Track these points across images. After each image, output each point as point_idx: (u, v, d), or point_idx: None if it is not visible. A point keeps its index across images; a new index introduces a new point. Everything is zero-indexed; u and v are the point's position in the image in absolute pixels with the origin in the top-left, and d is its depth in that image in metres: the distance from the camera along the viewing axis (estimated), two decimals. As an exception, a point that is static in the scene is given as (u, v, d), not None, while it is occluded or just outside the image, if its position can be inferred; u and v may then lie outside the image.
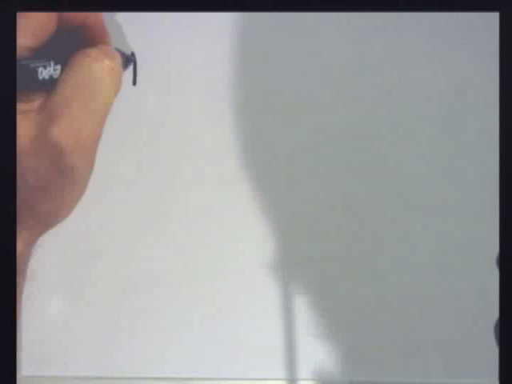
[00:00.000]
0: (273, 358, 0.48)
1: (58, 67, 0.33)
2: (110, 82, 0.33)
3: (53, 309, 0.48)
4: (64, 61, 0.33)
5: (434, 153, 0.48)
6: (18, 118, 0.30)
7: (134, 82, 0.38)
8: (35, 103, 0.31)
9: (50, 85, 0.32)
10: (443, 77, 0.48)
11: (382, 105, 0.48)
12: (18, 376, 0.48)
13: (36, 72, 0.31)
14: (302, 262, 0.48)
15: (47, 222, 0.33)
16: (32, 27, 0.32)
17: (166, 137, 0.48)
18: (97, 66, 0.33)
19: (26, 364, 0.48)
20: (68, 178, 0.32)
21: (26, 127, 0.30)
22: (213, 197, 0.48)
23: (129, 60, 0.38)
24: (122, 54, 0.37)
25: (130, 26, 0.46)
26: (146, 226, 0.48)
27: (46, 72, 0.32)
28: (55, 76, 0.32)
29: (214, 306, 0.48)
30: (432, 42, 0.47)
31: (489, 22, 0.47)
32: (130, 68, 0.38)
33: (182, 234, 0.48)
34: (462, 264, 0.48)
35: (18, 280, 0.33)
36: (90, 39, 0.35)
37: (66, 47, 0.34)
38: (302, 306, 0.48)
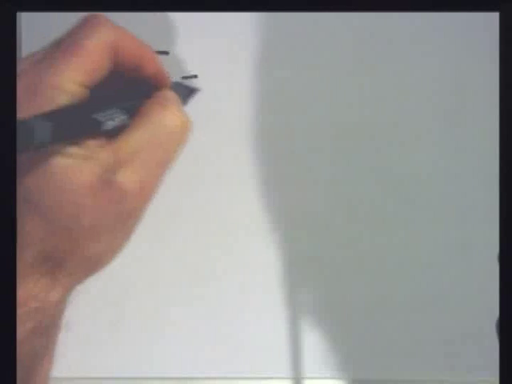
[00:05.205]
0: (273, 356, 0.48)
1: (125, 117, 0.32)
2: (182, 136, 0.34)
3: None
4: (130, 108, 0.33)
5: (434, 152, 0.48)
6: (76, 162, 0.30)
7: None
8: (96, 150, 0.31)
9: (114, 132, 0.32)
10: (443, 77, 0.48)
11: (382, 105, 0.48)
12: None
13: (103, 125, 0.31)
14: (304, 262, 0.48)
15: (91, 267, 0.33)
16: (86, 65, 0.31)
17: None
18: (172, 120, 0.33)
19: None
20: (122, 223, 0.32)
21: (86, 170, 0.30)
22: (213, 197, 0.48)
23: (191, 93, 0.38)
24: (186, 88, 0.37)
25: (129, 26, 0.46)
26: (146, 226, 0.48)
27: (112, 123, 0.32)
28: (120, 124, 0.32)
29: (215, 306, 0.48)
30: (432, 42, 0.47)
31: (489, 22, 0.47)
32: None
33: (183, 234, 0.48)
34: (463, 263, 0.48)
35: (52, 331, 0.32)
36: (150, 82, 0.35)
37: (131, 93, 0.34)
38: (303, 306, 0.48)
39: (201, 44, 0.47)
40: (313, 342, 0.48)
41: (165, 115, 0.33)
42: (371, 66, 0.48)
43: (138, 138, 0.32)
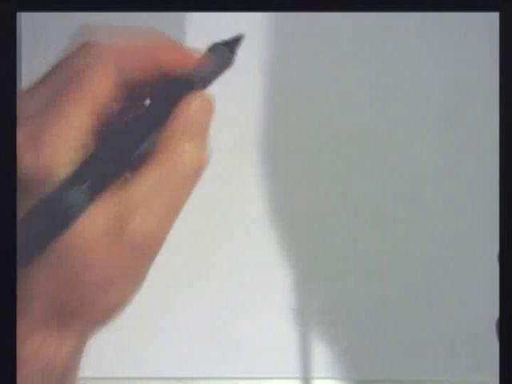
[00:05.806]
0: (275, 356, 0.48)
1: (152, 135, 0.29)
2: (198, 176, 0.31)
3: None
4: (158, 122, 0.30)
5: (435, 152, 0.48)
6: (88, 211, 0.28)
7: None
8: (108, 197, 0.29)
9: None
10: (443, 76, 0.48)
11: (382, 105, 0.48)
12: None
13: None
14: (305, 262, 0.48)
15: (103, 317, 0.31)
16: (96, 107, 0.29)
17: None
18: (191, 159, 0.31)
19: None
20: (133, 271, 0.31)
21: (97, 220, 0.28)
22: (214, 197, 0.48)
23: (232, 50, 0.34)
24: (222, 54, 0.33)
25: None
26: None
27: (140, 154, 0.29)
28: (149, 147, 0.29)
29: (217, 306, 0.48)
30: (432, 42, 0.48)
31: (489, 22, 0.47)
32: None
33: (184, 234, 0.48)
34: (463, 263, 0.48)
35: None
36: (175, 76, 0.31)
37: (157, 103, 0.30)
38: (306, 306, 0.48)
39: (201, 44, 0.47)
40: (313, 343, 0.48)
41: (183, 152, 0.30)
42: (371, 66, 0.48)
43: (152, 181, 0.30)
